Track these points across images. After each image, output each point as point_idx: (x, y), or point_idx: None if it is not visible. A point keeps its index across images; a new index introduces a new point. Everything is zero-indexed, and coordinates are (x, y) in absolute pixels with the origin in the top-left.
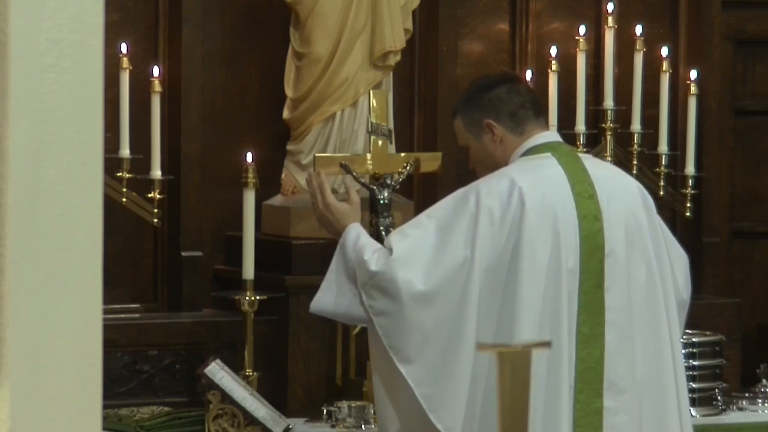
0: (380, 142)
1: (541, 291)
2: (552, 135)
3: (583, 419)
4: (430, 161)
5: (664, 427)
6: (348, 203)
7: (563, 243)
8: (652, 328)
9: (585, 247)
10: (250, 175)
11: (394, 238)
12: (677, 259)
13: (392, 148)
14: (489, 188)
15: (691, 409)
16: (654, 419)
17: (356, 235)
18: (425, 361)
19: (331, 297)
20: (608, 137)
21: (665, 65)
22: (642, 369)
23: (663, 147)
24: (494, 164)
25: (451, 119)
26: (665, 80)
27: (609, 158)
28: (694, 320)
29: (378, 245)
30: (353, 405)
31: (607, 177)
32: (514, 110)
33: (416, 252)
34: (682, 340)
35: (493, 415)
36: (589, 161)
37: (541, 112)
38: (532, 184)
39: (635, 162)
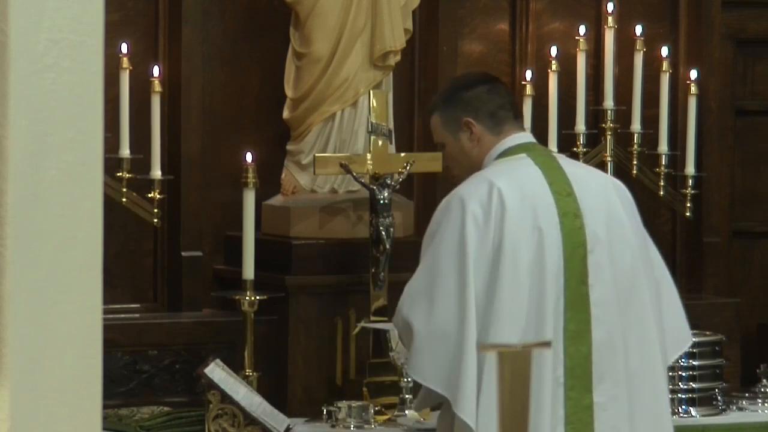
0: (380, 142)
1: (525, 290)
2: (527, 136)
3: (574, 415)
4: (430, 161)
5: (660, 420)
6: None
7: (546, 240)
8: (639, 320)
9: (567, 244)
10: (250, 175)
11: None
12: (671, 305)
13: (392, 148)
14: (469, 193)
15: (691, 409)
16: (650, 411)
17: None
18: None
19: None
20: (608, 137)
21: (665, 65)
22: (634, 363)
23: (663, 147)
24: (470, 163)
25: (427, 116)
26: (665, 80)
27: (609, 158)
28: (694, 320)
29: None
30: (353, 405)
31: (583, 175)
32: (494, 110)
33: (417, 287)
34: None
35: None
36: (564, 160)
37: (519, 114)
38: (511, 185)
39: (635, 162)
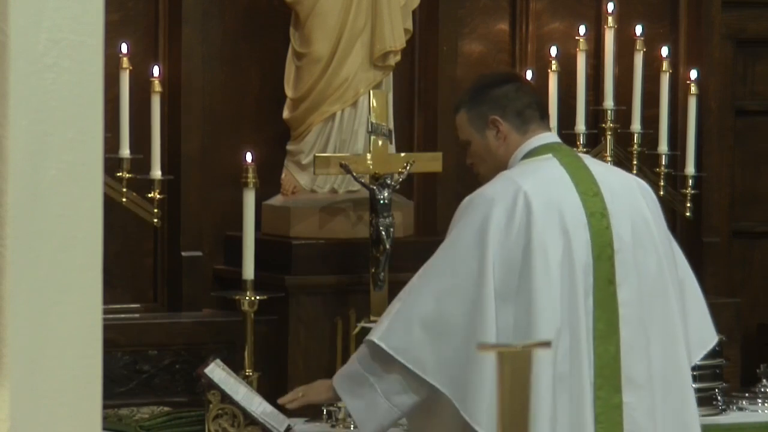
0: (380, 142)
1: (557, 289)
2: (552, 136)
3: (603, 415)
4: (430, 161)
5: (685, 420)
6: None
7: (574, 241)
8: (665, 321)
9: (595, 244)
10: (250, 175)
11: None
12: (695, 304)
13: (392, 148)
14: (495, 193)
15: None
16: (676, 412)
17: (337, 376)
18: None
19: (372, 422)
20: (608, 137)
21: (665, 65)
22: (658, 363)
23: (663, 147)
24: (495, 161)
25: (453, 113)
26: (665, 80)
27: (609, 158)
28: None
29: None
30: None
31: (608, 175)
32: (521, 109)
33: (430, 279)
34: None
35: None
36: (589, 160)
37: (546, 114)
38: (536, 186)
39: (635, 162)
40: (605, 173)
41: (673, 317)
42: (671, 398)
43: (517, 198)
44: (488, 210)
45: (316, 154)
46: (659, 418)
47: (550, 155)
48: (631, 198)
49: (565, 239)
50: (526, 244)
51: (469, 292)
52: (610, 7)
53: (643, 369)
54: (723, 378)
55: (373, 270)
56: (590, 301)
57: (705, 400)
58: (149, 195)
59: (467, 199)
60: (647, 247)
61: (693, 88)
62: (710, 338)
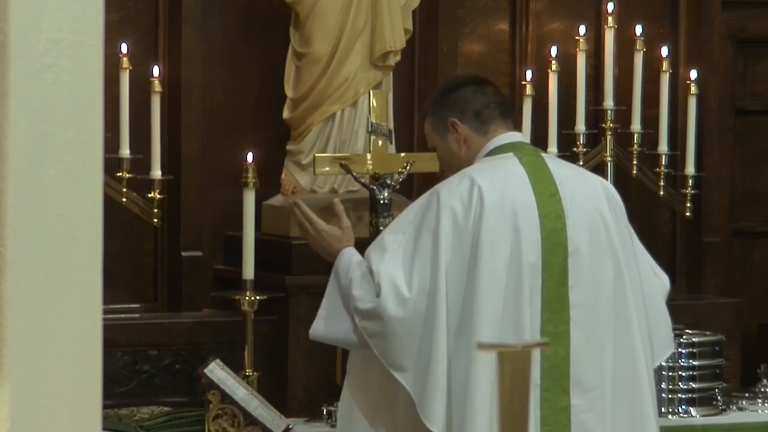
0: (380, 142)
1: (501, 288)
2: (516, 135)
3: (550, 417)
4: (430, 161)
5: (641, 427)
6: (339, 227)
7: (524, 240)
8: (622, 327)
9: (547, 245)
10: (250, 175)
11: (376, 266)
12: (657, 319)
13: (392, 148)
14: (450, 189)
15: (691, 409)
16: (628, 418)
17: (348, 262)
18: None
19: (327, 324)
20: (608, 137)
21: (665, 65)
22: (612, 368)
23: (663, 147)
24: (459, 165)
25: (422, 122)
26: (665, 80)
27: (609, 158)
28: (694, 320)
29: (365, 272)
30: None
31: (570, 176)
32: (479, 109)
33: (396, 279)
34: (682, 340)
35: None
36: (552, 161)
37: (508, 114)
38: (492, 183)
39: (635, 162)
40: (568, 175)
41: (632, 321)
42: (625, 404)
43: (472, 193)
44: (441, 204)
45: (316, 154)
46: (611, 423)
47: (510, 154)
48: (593, 202)
49: (515, 238)
50: (476, 241)
51: (426, 293)
52: (610, 7)
53: (594, 372)
54: (723, 378)
55: None
56: (537, 302)
57: (705, 400)
58: (149, 195)
59: (425, 195)
60: (605, 252)
61: (693, 88)
62: (667, 347)
